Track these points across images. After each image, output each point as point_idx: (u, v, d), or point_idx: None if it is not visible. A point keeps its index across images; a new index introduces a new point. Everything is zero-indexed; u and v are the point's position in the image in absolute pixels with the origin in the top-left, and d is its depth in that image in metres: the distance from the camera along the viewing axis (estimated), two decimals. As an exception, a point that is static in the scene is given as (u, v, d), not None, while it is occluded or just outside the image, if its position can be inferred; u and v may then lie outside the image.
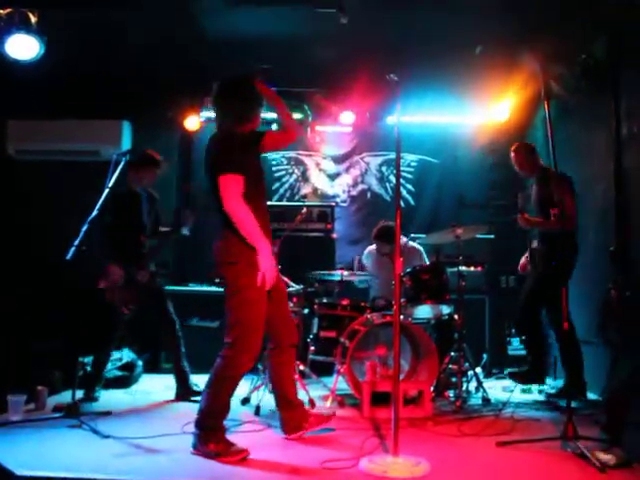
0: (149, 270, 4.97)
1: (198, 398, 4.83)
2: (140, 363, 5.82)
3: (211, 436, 3.45)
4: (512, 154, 5.36)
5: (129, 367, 5.61)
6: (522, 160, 5.29)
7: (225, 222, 3.56)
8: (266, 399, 4.67)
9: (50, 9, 4.93)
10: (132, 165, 4.88)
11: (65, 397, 4.53)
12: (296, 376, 5.00)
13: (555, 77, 5.62)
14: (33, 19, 4.86)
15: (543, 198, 5.05)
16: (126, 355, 5.68)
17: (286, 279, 5.49)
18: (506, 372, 5.38)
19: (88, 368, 5.26)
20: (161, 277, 5.18)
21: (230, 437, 3.57)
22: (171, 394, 5.05)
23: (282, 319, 3.84)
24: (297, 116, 7.30)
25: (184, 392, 4.99)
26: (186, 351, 5.14)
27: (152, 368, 6.13)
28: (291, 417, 3.84)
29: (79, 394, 4.45)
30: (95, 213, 4.10)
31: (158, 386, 5.33)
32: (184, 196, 7.31)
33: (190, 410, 4.53)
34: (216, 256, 3.69)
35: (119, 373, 5.49)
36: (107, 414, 4.35)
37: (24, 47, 4.95)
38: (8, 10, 4.82)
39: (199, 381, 5.68)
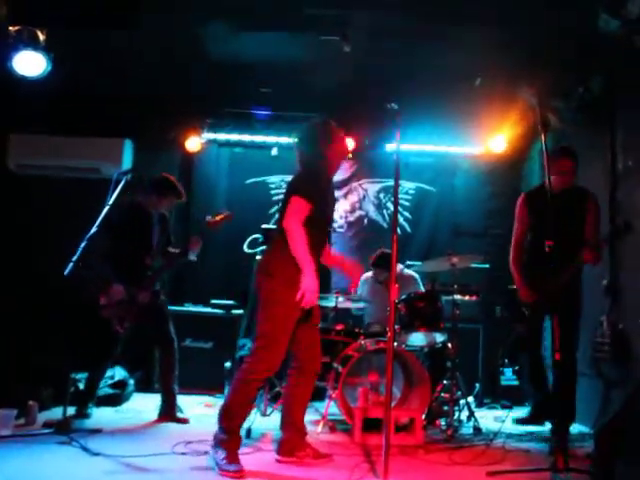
0: (151, 291, 4.94)
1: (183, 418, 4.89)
2: (132, 381, 5.81)
3: (224, 442, 3.57)
4: (568, 157, 4.74)
5: (121, 385, 5.59)
6: (574, 168, 4.77)
7: (278, 238, 3.77)
8: (258, 422, 4.66)
9: (56, 28, 4.99)
10: (156, 190, 4.99)
11: (56, 413, 4.52)
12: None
13: (552, 110, 5.70)
14: (41, 37, 4.93)
15: (578, 222, 4.68)
16: (118, 373, 5.67)
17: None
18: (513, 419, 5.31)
19: (80, 385, 5.25)
20: (165, 296, 5.16)
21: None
22: (162, 414, 5.03)
23: (310, 344, 3.90)
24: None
25: (168, 414, 4.96)
26: (179, 371, 5.12)
27: (144, 387, 6.11)
28: (288, 440, 3.85)
29: (70, 411, 4.43)
30: (94, 230, 4.12)
31: (149, 405, 5.31)
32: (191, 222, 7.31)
33: (181, 431, 4.54)
34: (259, 266, 3.88)
35: (110, 391, 5.47)
36: (97, 432, 4.33)
37: (31, 64, 5.01)
38: (17, 27, 4.89)
39: (192, 401, 5.71)
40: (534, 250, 4.83)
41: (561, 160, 4.65)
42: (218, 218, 4.92)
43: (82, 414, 4.82)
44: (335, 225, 7.62)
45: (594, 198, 4.76)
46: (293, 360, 3.93)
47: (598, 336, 4.92)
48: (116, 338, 4.88)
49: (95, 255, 4.54)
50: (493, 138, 7.17)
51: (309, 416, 4.96)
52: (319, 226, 3.83)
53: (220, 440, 3.60)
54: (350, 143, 7.25)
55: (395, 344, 4.84)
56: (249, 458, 3.84)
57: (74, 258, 3.92)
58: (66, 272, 3.86)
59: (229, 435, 3.61)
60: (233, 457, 3.53)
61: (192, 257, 5.05)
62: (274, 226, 6.99)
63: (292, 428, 3.87)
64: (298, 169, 3.99)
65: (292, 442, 3.84)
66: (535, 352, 4.94)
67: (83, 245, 4.02)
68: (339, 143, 4.00)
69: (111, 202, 4.30)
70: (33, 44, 4.95)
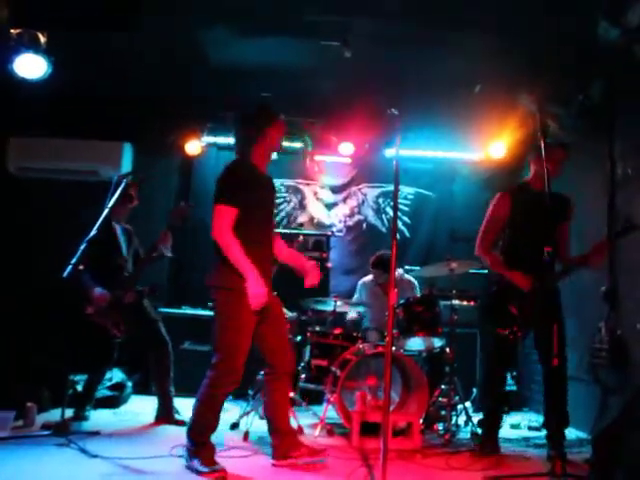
0: (135, 291, 4.94)
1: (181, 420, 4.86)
2: (130, 384, 5.81)
3: (196, 452, 3.59)
4: (561, 151, 4.50)
5: (119, 387, 5.60)
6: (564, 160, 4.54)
7: (216, 249, 3.70)
8: (255, 425, 4.66)
9: (57, 31, 5.00)
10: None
11: (54, 415, 4.52)
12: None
13: (552, 117, 5.72)
14: (42, 39, 4.94)
15: (553, 225, 4.40)
16: (116, 375, 5.67)
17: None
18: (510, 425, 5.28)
19: (78, 387, 5.25)
20: (149, 297, 5.14)
21: (217, 461, 3.61)
22: (161, 416, 5.03)
23: (278, 346, 3.89)
24: (297, 145, 7.41)
25: (165, 416, 4.97)
26: (178, 374, 5.12)
27: (142, 389, 6.11)
28: (280, 444, 3.85)
29: (69, 412, 4.43)
30: (94, 233, 4.12)
31: (147, 407, 5.30)
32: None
33: (179, 433, 4.53)
34: (207, 280, 3.82)
35: (108, 393, 5.47)
36: (96, 434, 4.34)
37: (32, 66, 5.02)
38: (18, 30, 4.90)
39: (191, 404, 5.69)
40: (513, 251, 4.60)
41: (557, 149, 4.48)
42: (177, 209, 4.97)
43: (80, 417, 4.83)
44: (334, 229, 7.63)
45: (574, 206, 4.66)
46: (265, 365, 3.93)
47: (596, 342, 4.92)
48: (113, 343, 4.89)
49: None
50: (492, 144, 7.18)
51: (307, 420, 5.00)
52: (258, 221, 3.79)
53: (192, 451, 3.63)
54: (350, 148, 7.28)
55: (394, 348, 4.85)
56: (246, 462, 3.87)
57: (73, 260, 3.93)
58: (65, 274, 3.86)
59: (201, 446, 3.64)
60: (209, 461, 3.56)
61: (167, 253, 5.02)
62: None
63: (279, 433, 3.88)
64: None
65: (284, 445, 3.84)
66: (508, 364, 4.75)
67: (82, 248, 4.02)
68: (275, 130, 3.92)
69: (110, 204, 4.31)
70: (34, 47, 4.96)
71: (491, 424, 4.51)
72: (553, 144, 4.45)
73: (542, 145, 3.88)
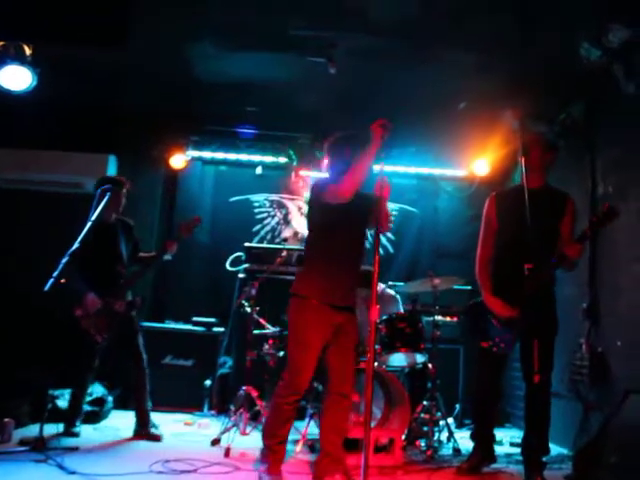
0: (126, 301, 4.92)
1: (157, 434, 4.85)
2: (110, 399, 5.75)
3: (266, 456, 3.80)
4: (533, 146, 4.30)
5: (99, 402, 5.53)
6: (541, 158, 4.32)
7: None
8: (237, 441, 4.63)
9: (42, 44, 4.99)
10: (98, 194, 4.88)
11: (32, 430, 4.47)
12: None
13: (534, 134, 5.77)
14: (28, 51, 4.94)
15: (552, 223, 4.27)
16: (96, 390, 5.60)
17: (262, 321, 5.53)
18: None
19: (58, 402, 5.20)
20: (136, 309, 5.12)
21: (197, 478, 3.66)
22: (141, 432, 4.99)
23: (337, 366, 3.83)
24: (282, 160, 7.43)
25: (142, 431, 4.93)
26: (159, 389, 5.09)
27: (122, 404, 6.05)
28: (317, 463, 3.85)
29: (48, 428, 4.36)
30: (76, 246, 4.11)
31: (128, 423, 5.24)
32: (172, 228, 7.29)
33: (159, 449, 4.51)
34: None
35: (89, 408, 5.39)
36: (74, 450, 4.29)
37: (17, 78, 5.01)
38: (3, 42, 4.89)
39: (172, 419, 5.66)
40: (503, 260, 4.43)
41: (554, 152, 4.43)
42: (188, 222, 5.06)
43: (70, 432, 4.78)
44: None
45: (573, 200, 4.39)
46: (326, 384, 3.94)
47: (577, 359, 4.95)
48: (94, 350, 4.85)
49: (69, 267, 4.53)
50: (476, 161, 7.23)
51: (290, 436, 4.94)
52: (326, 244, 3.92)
53: (263, 454, 3.84)
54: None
55: (376, 364, 4.84)
56: (227, 478, 3.83)
57: (54, 273, 3.90)
58: (46, 287, 3.84)
59: (269, 451, 3.78)
60: (272, 469, 3.71)
61: (167, 257, 5.08)
62: (257, 245, 7.03)
63: (322, 452, 3.85)
64: None
65: (321, 466, 3.79)
66: (496, 378, 4.50)
67: (64, 261, 4.00)
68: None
69: (94, 217, 4.29)
70: (19, 59, 4.95)
71: (477, 438, 4.51)
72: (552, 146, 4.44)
73: (522, 163, 3.90)
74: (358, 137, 3.91)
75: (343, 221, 3.77)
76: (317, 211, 3.88)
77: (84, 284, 4.73)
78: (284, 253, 5.72)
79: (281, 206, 7.73)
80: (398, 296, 6.10)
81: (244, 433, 4.98)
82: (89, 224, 4.26)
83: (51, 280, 3.88)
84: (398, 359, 5.28)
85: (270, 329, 5.53)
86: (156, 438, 4.85)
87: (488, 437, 4.52)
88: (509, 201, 4.30)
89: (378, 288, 4.05)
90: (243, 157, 7.53)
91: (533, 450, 4.05)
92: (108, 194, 4.54)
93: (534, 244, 3.64)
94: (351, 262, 3.87)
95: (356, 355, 4.11)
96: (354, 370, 3.95)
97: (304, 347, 3.71)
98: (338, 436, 3.83)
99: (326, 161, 4.06)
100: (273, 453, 3.76)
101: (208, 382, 6.18)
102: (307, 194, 7.72)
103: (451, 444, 5.04)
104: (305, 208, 7.73)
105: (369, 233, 7.60)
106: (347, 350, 3.85)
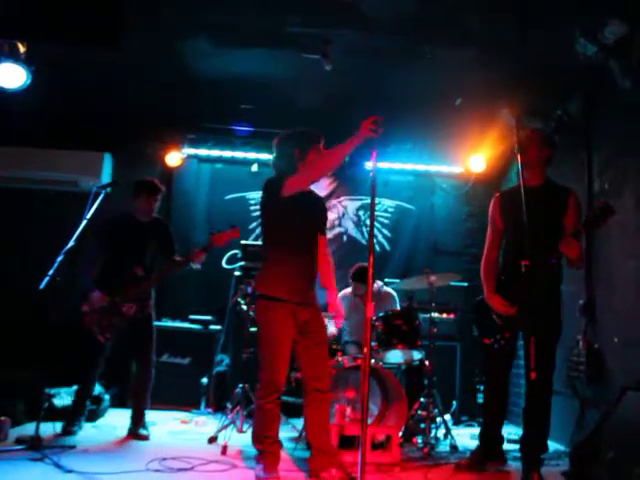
0: (138, 304, 4.87)
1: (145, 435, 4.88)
2: (107, 397, 5.74)
3: (260, 459, 3.76)
4: (529, 143, 4.29)
5: (96, 400, 5.51)
6: (539, 155, 4.33)
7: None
8: (234, 438, 4.63)
9: (37, 42, 4.97)
10: (133, 194, 5.02)
11: (29, 429, 4.45)
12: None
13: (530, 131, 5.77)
14: (22, 49, 4.91)
15: (555, 220, 4.22)
16: (93, 388, 5.60)
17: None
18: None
19: (54, 400, 5.19)
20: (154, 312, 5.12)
21: (194, 476, 3.64)
22: (138, 430, 4.98)
23: (309, 362, 3.87)
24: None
25: (133, 430, 4.92)
26: (156, 387, 5.08)
27: (119, 403, 6.05)
28: (311, 461, 3.84)
29: (44, 427, 4.35)
30: (71, 244, 4.10)
31: (124, 421, 5.23)
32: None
33: (156, 448, 4.50)
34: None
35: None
36: (71, 448, 4.28)
37: (11, 76, 4.98)
38: (-3, 41, 4.88)
39: (169, 417, 5.66)
40: (507, 259, 4.49)
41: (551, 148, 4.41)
42: (224, 233, 4.85)
43: (67, 431, 4.77)
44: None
45: (576, 194, 4.34)
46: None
47: (574, 355, 4.96)
48: (99, 348, 4.84)
49: (83, 262, 4.54)
50: (473, 158, 7.23)
51: (286, 433, 4.96)
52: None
53: (257, 458, 3.79)
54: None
55: (372, 361, 4.84)
56: (224, 476, 3.82)
57: (50, 272, 3.89)
58: (41, 286, 3.83)
59: (263, 454, 3.75)
60: (268, 468, 3.70)
61: (196, 266, 4.99)
62: (254, 242, 7.02)
63: (312, 450, 3.86)
64: None
65: (316, 463, 3.79)
66: (500, 375, 4.45)
67: (59, 259, 3.99)
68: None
69: (89, 216, 4.28)
70: (13, 57, 4.93)
71: (481, 435, 4.50)
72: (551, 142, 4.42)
73: (519, 159, 3.88)
74: (306, 134, 4.08)
75: (298, 217, 3.85)
76: (271, 209, 3.90)
77: (92, 281, 4.74)
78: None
79: (277, 204, 7.69)
80: (395, 293, 6.11)
81: (241, 431, 4.98)
82: (84, 222, 4.25)
83: (46, 278, 3.88)
84: (395, 356, 5.28)
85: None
86: (143, 438, 4.83)
87: (494, 436, 4.47)
88: (512, 200, 4.27)
89: (375, 285, 4.05)
90: (239, 155, 7.53)
91: (531, 447, 4.04)
92: (103, 192, 4.53)
93: (530, 241, 3.61)
94: (309, 260, 3.91)
95: (329, 350, 4.18)
96: (327, 365, 3.98)
97: (275, 345, 3.73)
98: (324, 431, 3.85)
99: (275, 158, 4.09)
100: (269, 454, 3.75)
101: (205, 380, 6.18)
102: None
103: (448, 441, 5.04)
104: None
105: (365, 230, 7.67)
106: (317, 346, 3.87)
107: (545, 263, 3.88)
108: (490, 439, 4.45)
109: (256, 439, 3.80)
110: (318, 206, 4.16)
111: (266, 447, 3.75)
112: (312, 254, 3.94)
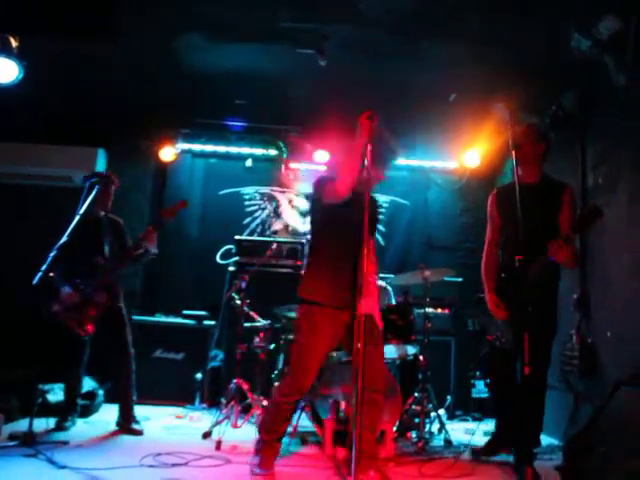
0: (107, 291, 4.84)
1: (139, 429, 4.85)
2: (101, 392, 5.73)
3: (260, 449, 3.80)
4: (524, 139, 4.32)
5: (89, 396, 5.50)
6: (534, 151, 4.34)
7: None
8: (228, 434, 4.62)
9: (30, 36, 4.94)
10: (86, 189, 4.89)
11: (22, 425, 4.44)
12: (258, 411, 4.99)
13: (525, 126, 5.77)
14: (14, 43, 4.88)
15: (551, 217, 4.25)
16: (87, 384, 5.57)
17: (253, 314, 5.52)
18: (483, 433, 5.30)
19: (47, 396, 5.17)
20: (126, 303, 5.08)
21: (189, 471, 3.64)
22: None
23: (369, 363, 3.56)
24: (272, 152, 7.42)
25: (125, 425, 4.90)
26: (149, 382, 5.08)
27: (113, 398, 6.02)
28: (350, 461, 3.79)
29: (38, 423, 4.34)
30: (64, 239, 4.08)
31: (118, 417, 5.25)
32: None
33: (149, 443, 4.49)
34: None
35: (79, 402, 5.38)
36: (65, 444, 4.27)
37: (3, 71, 4.95)
38: (-12, 35, 4.84)
39: (163, 413, 5.65)
40: (505, 256, 4.51)
41: (546, 144, 4.45)
42: (173, 206, 4.93)
43: (60, 427, 4.77)
44: (309, 236, 7.61)
45: (571, 190, 4.35)
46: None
47: (567, 349, 4.97)
48: (82, 343, 4.82)
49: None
50: (467, 153, 7.22)
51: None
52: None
53: (257, 449, 3.82)
54: (325, 156, 7.28)
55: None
56: (218, 471, 3.82)
57: (43, 267, 3.88)
58: (34, 281, 3.81)
59: (265, 445, 3.79)
60: (265, 463, 3.73)
61: (152, 250, 4.93)
62: (248, 237, 7.01)
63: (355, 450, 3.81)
64: None
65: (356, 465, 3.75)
66: (506, 369, 4.38)
67: (52, 254, 3.98)
68: None
69: (82, 211, 4.27)
70: (6, 51, 4.89)
71: (495, 432, 4.60)
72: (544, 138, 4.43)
73: (514, 154, 3.87)
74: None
75: (345, 223, 3.69)
76: (318, 211, 3.88)
77: (60, 278, 4.68)
78: (274, 246, 5.72)
79: (271, 199, 7.70)
80: (389, 288, 6.11)
81: (235, 426, 4.97)
82: (77, 217, 4.23)
83: (39, 274, 3.86)
84: (389, 351, 5.27)
85: (261, 322, 5.52)
86: (137, 433, 4.82)
87: (506, 425, 4.52)
88: (509, 197, 4.25)
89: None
90: (233, 150, 7.51)
91: (524, 442, 4.06)
92: (97, 187, 4.51)
93: (527, 238, 3.61)
94: (351, 263, 3.70)
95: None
96: (382, 365, 3.90)
97: (308, 351, 3.72)
98: (372, 433, 3.75)
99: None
100: (269, 447, 3.77)
101: (199, 375, 6.17)
102: (300, 187, 7.71)
103: (442, 435, 5.05)
104: (296, 200, 7.72)
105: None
106: (371, 345, 3.58)
107: (539, 261, 3.88)
108: (502, 428, 4.53)
109: (263, 429, 3.83)
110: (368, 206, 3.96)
111: (269, 440, 3.77)
112: (357, 257, 3.60)
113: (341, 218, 3.73)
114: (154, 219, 4.80)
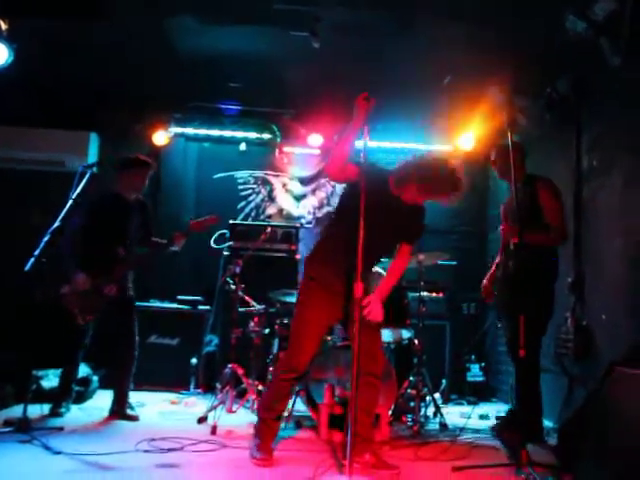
0: (119, 285, 4.79)
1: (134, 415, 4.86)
2: (95, 378, 5.72)
3: (259, 429, 3.83)
4: (496, 154, 4.78)
5: (84, 382, 5.49)
6: (505, 162, 4.50)
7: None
8: (223, 418, 4.62)
9: (19, 17, 4.87)
10: (120, 170, 4.93)
11: (16, 411, 4.42)
12: (253, 396, 5.00)
13: (520, 109, 5.74)
14: (3, 26, 4.81)
15: (533, 209, 4.55)
16: (81, 370, 5.54)
17: (248, 298, 5.50)
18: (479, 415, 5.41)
19: (42, 382, 5.16)
20: (134, 292, 5.07)
21: (184, 456, 3.65)
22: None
23: (367, 346, 3.52)
24: (266, 136, 7.38)
25: (119, 411, 4.87)
26: (143, 368, 5.06)
27: (108, 384, 6.01)
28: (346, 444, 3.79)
29: (32, 409, 4.32)
30: (57, 224, 4.05)
31: (113, 402, 5.24)
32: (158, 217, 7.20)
33: (144, 428, 4.49)
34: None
35: (74, 388, 5.38)
36: (59, 430, 4.26)
37: (-7, 54, 4.89)
38: (-23, 17, 4.77)
39: (158, 398, 5.65)
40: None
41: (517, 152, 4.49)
42: (202, 220, 4.99)
43: (55, 413, 4.76)
44: (303, 221, 7.60)
45: (543, 182, 4.65)
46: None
47: (562, 332, 4.98)
48: (82, 330, 4.80)
49: (64, 241, 4.47)
50: (462, 136, 7.19)
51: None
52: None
53: (256, 429, 3.86)
54: (319, 139, 7.25)
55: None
56: (214, 455, 3.82)
57: (36, 252, 3.85)
58: (27, 267, 3.79)
59: (263, 424, 3.80)
60: (263, 446, 3.72)
61: (175, 248, 4.99)
62: (242, 222, 6.98)
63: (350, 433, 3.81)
64: None
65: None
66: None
67: (45, 239, 3.94)
68: None
69: (74, 196, 4.23)
70: (-5, 34, 4.84)
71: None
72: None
73: (509, 137, 3.87)
74: None
75: (352, 207, 3.42)
76: (345, 194, 3.93)
77: (76, 263, 4.67)
78: (268, 230, 5.69)
79: (265, 183, 7.67)
80: (384, 272, 6.10)
81: (230, 411, 4.98)
82: (70, 202, 4.19)
83: (32, 259, 3.83)
84: (384, 335, 5.25)
85: (255, 306, 5.51)
86: (133, 419, 4.81)
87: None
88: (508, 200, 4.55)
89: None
90: (227, 133, 7.47)
91: (519, 423, 4.10)
92: (89, 171, 4.47)
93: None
94: (354, 252, 3.33)
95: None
96: (380, 349, 3.89)
97: (304, 325, 3.73)
98: (368, 416, 3.76)
99: None
100: (267, 427, 3.79)
101: (194, 360, 6.17)
102: (293, 170, 7.67)
103: (437, 419, 5.06)
104: (290, 184, 7.70)
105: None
106: (368, 329, 3.60)
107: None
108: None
109: (262, 406, 3.87)
110: (401, 215, 3.92)
111: (267, 418, 3.79)
112: (369, 250, 3.31)
113: (350, 205, 3.58)
114: (156, 211, 4.81)
